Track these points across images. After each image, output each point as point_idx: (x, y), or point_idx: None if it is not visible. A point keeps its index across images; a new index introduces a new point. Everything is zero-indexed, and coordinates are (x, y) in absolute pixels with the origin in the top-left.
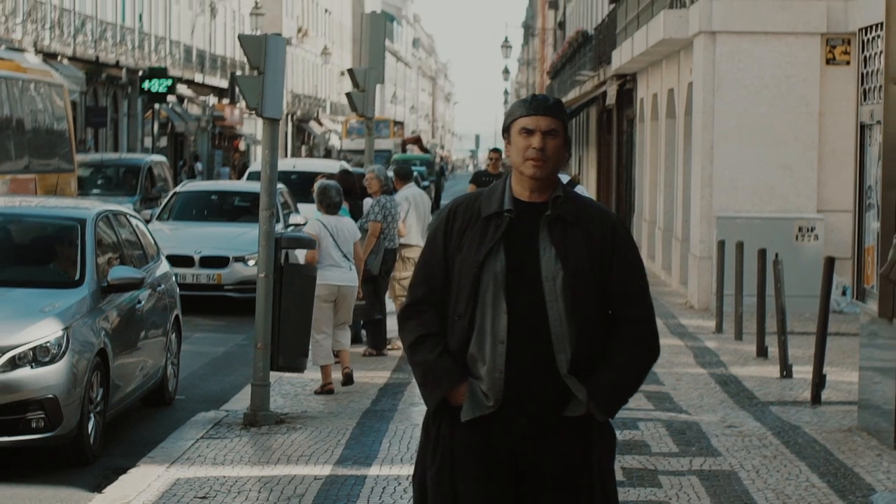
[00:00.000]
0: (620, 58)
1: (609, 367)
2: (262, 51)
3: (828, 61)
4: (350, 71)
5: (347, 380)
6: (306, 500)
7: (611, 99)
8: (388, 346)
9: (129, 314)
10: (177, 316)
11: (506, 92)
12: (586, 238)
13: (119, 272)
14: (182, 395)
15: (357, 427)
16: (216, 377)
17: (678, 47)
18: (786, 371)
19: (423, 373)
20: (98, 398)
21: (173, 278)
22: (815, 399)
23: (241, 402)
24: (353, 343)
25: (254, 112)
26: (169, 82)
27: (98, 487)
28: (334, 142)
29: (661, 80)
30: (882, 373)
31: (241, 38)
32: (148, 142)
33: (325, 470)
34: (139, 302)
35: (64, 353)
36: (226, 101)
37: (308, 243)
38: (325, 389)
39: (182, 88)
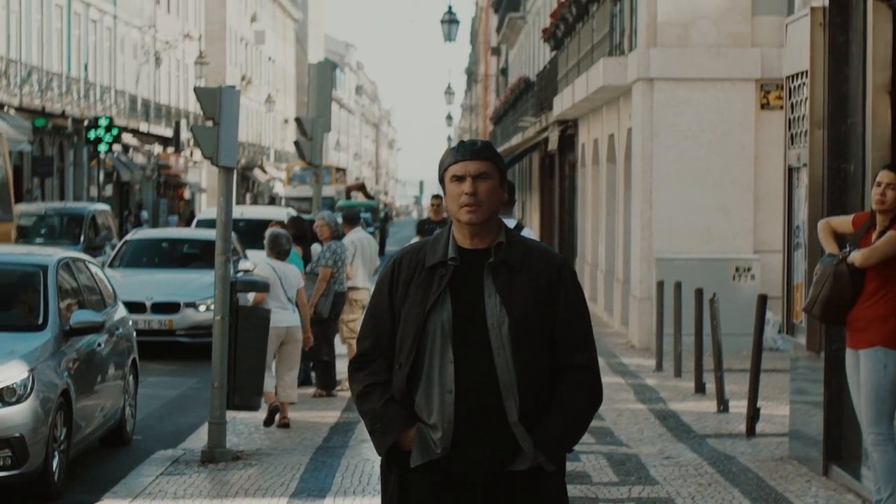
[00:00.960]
0: (562, 104)
1: (555, 416)
2: (218, 102)
3: (762, 106)
4: (298, 120)
5: (283, 425)
6: None
7: (553, 144)
8: (338, 387)
9: (90, 357)
10: (134, 359)
11: (449, 138)
12: (532, 283)
13: (80, 316)
14: (139, 436)
15: (310, 462)
16: (171, 418)
17: (618, 94)
18: (722, 406)
19: (371, 421)
20: (62, 437)
21: (130, 322)
22: (750, 431)
23: (198, 440)
24: (303, 384)
25: (209, 160)
26: (115, 132)
27: None
28: (278, 189)
29: (601, 125)
30: (811, 404)
31: (197, 90)
32: (94, 190)
33: (282, 502)
34: (99, 345)
35: (29, 393)
36: (170, 149)
37: (262, 286)
38: (274, 419)
39: (127, 137)
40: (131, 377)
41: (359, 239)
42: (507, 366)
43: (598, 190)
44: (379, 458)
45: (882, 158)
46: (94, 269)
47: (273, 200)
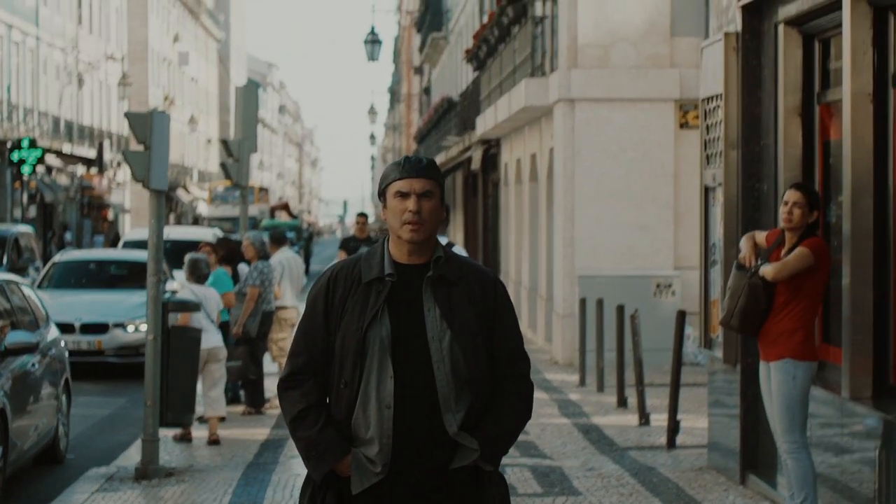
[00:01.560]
0: (485, 124)
1: (493, 420)
2: (149, 127)
3: (681, 125)
4: (224, 142)
5: (213, 442)
6: None
7: (476, 163)
8: (266, 405)
9: (25, 377)
10: (66, 379)
11: (372, 157)
12: (469, 297)
13: (15, 337)
14: (72, 454)
15: (242, 478)
16: (103, 437)
17: (539, 114)
18: (644, 419)
19: (306, 448)
20: None
21: (62, 343)
22: (671, 443)
23: (130, 458)
24: (232, 403)
25: (141, 183)
26: (38, 153)
27: None
28: (202, 209)
29: (524, 145)
30: (729, 416)
31: (129, 115)
32: (17, 212)
33: None
34: (33, 365)
35: None
36: (94, 170)
37: (193, 307)
38: (185, 437)
39: (50, 158)
40: (64, 396)
41: (286, 258)
42: (447, 379)
43: (521, 208)
44: None
45: (793, 178)
46: (26, 290)
47: (196, 220)
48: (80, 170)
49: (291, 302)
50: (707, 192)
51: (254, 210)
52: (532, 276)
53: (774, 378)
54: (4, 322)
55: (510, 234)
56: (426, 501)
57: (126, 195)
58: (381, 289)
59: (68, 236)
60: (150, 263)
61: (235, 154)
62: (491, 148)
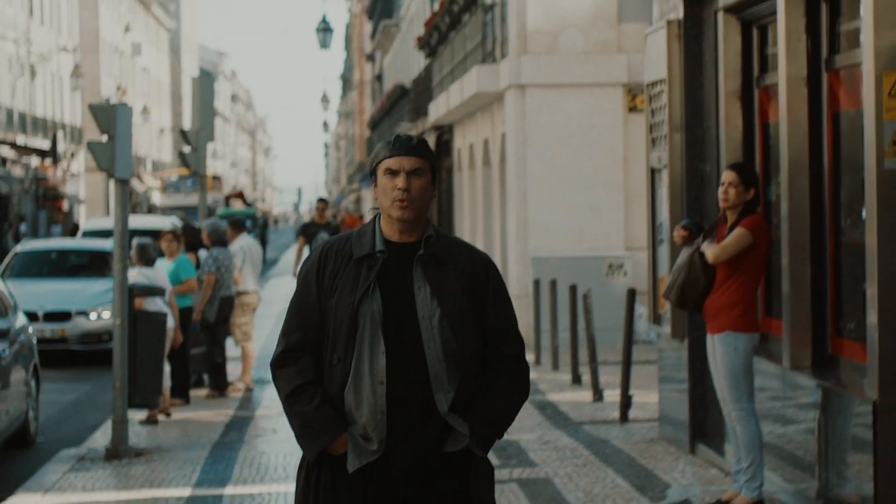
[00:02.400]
0: (437, 110)
1: (487, 404)
2: (112, 118)
3: (630, 109)
4: (182, 132)
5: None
6: None
7: None
8: (229, 388)
9: None
10: (35, 364)
11: (326, 145)
12: (459, 276)
13: None
14: (42, 438)
15: (209, 456)
16: (70, 421)
17: (491, 100)
18: (597, 395)
19: (302, 424)
20: None
21: (30, 330)
22: (623, 417)
23: (99, 440)
24: (196, 386)
25: (106, 173)
26: None
27: None
28: (155, 199)
29: (476, 130)
30: (678, 389)
31: (93, 106)
32: None
33: (186, 492)
34: (3, 351)
35: None
36: (48, 161)
37: (158, 291)
38: (150, 419)
39: (4, 150)
40: (33, 382)
41: (247, 244)
42: (438, 357)
43: (475, 193)
44: (275, 452)
45: (735, 159)
46: None
47: (150, 210)
48: (35, 161)
49: (252, 287)
50: (653, 173)
51: (208, 199)
52: None
53: (718, 350)
54: None
55: (464, 219)
56: (415, 486)
57: (81, 186)
58: (373, 264)
59: (24, 227)
60: (116, 250)
61: (193, 143)
62: (444, 134)
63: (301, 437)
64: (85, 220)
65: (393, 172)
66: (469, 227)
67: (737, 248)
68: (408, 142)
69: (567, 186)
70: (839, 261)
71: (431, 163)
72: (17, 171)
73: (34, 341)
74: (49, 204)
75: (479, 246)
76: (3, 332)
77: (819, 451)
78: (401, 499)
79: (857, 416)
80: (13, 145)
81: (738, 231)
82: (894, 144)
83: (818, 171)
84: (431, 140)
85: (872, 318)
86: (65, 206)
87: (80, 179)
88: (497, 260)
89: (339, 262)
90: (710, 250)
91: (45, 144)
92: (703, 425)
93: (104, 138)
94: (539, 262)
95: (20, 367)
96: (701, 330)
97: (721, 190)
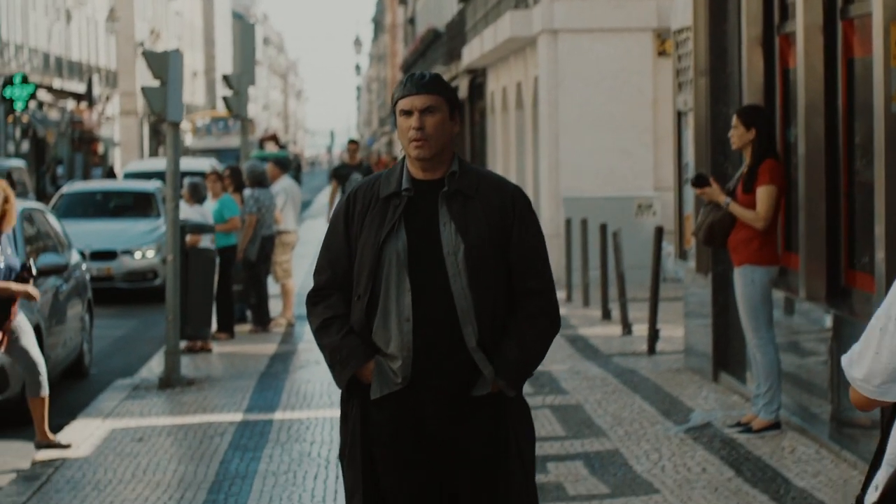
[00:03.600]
0: (471, 54)
1: (513, 342)
2: (166, 65)
3: (659, 54)
4: (225, 77)
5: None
6: (226, 438)
7: (463, 92)
8: (271, 323)
9: (55, 296)
10: (89, 300)
11: (358, 88)
12: (486, 210)
13: (47, 259)
14: (94, 370)
15: (257, 385)
16: (119, 354)
17: (524, 44)
18: (626, 329)
19: (331, 354)
20: None
21: (83, 267)
22: (651, 350)
23: (151, 371)
24: (239, 322)
25: (157, 117)
26: (30, 89)
27: None
28: (188, 141)
29: (509, 74)
30: (702, 322)
31: (146, 53)
32: (11, 147)
33: (238, 417)
34: (62, 286)
35: None
36: (84, 105)
37: (209, 229)
38: (203, 348)
39: (41, 94)
40: (87, 316)
41: (289, 185)
42: (464, 292)
43: (508, 135)
44: (320, 381)
45: (757, 103)
46: (51, 218)
47: (186, 152)
48: (71, 104)
49: (293, 226)
50: (680, 116)
51: (237, 141)
52: None
53: (737, 282)
54: (34, 246)
55: (497, 160)
56: (447, 423)
57: (115, 129)
58: (398, 203)
59: (61, 170)
60: (168, 190)
61: (235, 87)
62: (477, 77)
63: (331, 367)
64: (119, 163)
65: (407, 113)
66: (502, 169)
67: (771, 204)
68: (419, 80)
69: (598, 129)
70: (852, 198)
71: (447, 97)
72: (54, 115)
73: (87, 277)
74: (84, 147)
75: None
76: (60, 267)
77: (832, 377)
78: (430, 435)
79: None
80: (50, 89)
81: (763, 191)
82: None
83: (833, 115)
84: (465, 83)
85: (880, 253)
86: (100, 149)
87: (114, 123)
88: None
89: (367, 202)
90: (754, 219)
91: (80, 88)
92: (726, 355)
93: (157, 83)
94: (570, 202)
95: (76, 301)
96: (724, 265)
97: (729, 133)
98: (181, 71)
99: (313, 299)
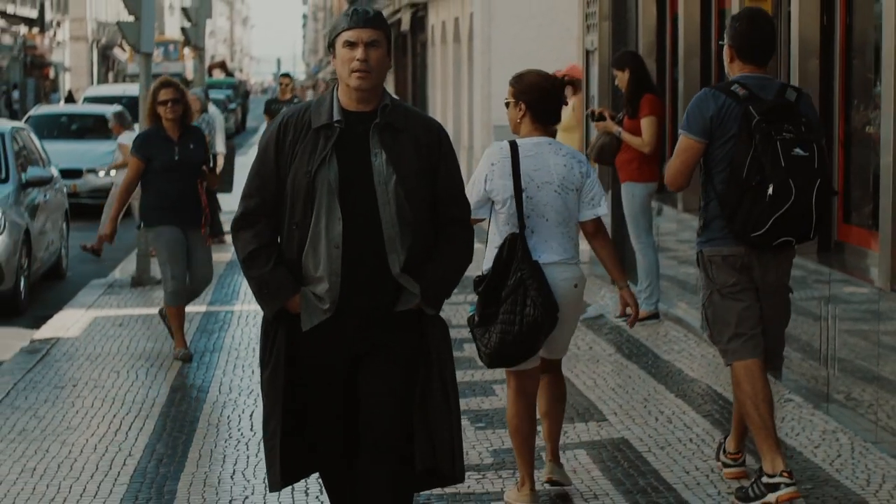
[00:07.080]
0: None
1: (437, 265)
2: (139, 2)
3: None
4: (184, 9)
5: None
6: (195, 324)
7: (405, 25)
8: (225, 235)
9: (40, 205)
10: (66, 210)
11: (304, 16)
12: (415, 143)
13: (34, 172)
14: (70, 273)
15: (217, 283)
16: (89, 261)
17: None
18: None
19: (259, 286)
20: (25, 266)
21: (61, 180)
22: None
23: (123, 271)
24: None
25: (132, 48)
26: None
27: (34, 327)
28: (129, 69)
29: (448, 9)
30: None
31: None
32: None
33: (202, 308)
34: (45, 196)
35: (3, 230)
36: (35, 30)
37: None
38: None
39: None
40: (64, 225)
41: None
42: (393, 221)
43: (447, 67)
44: None
45: (649, 44)
46: (33, 136)
47: (134, 78)
48: (23, 30)
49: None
50: (588, 54)
51: (178, 66)
52: (456, 127)
53: (623, 196)
54: (21, 160)
55: (436, 91)
56: (370, 338)
57: (66, 54)
58: (330, 134)
59: (16, 94)
60: (141, 113)
61: (193, 19)
62: (419, 11)
63: (258, 298)
64: (68, 88)
65: (351, 44)
66: (440, 99)
67: (654, 132)
68: (365, 14)
69: (527, 63)
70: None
71: (387, 34)
72: (7, 40)
73: (65, 189)
74: (36, 72)
75: (449, 115)
76: (46, 179)
77: (699, 277)
78: (355, 354)
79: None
80: (3, 14)
81: (646, 122)
82: None
83: (707, 57)
84: (407, 17)
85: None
86: (51, 73)
87: (65, 48)
88: (464, 128)
89: (298, 131)
90: (637, 143)
91: (32, 13)
92: (621, 262)
93: (132, 18)
94: (500, 130)
95: (56, 211)
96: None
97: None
98: (153, 7)
99: (240, 223)
